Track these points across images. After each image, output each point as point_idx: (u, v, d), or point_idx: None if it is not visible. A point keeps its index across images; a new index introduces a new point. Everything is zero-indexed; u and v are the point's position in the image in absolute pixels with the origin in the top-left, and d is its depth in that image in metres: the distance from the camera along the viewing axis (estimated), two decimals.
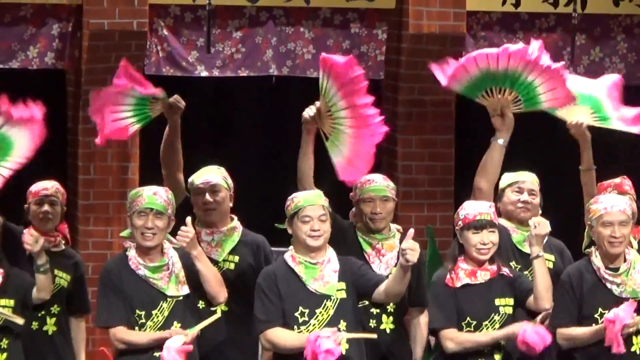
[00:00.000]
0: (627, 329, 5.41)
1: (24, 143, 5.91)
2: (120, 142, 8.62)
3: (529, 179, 6.17)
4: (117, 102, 6.09)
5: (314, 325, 5.41)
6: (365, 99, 5.87)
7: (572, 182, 6.56)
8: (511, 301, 5.54)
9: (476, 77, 5.88)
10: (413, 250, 5.18)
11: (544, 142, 6.73)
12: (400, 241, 5.70)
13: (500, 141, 5.94)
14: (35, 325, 6.11)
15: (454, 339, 5.56)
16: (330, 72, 5.79)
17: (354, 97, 5.86)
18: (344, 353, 5.42)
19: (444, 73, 5.91)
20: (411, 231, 5.33)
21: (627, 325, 5.40)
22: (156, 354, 5.42)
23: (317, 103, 5.81)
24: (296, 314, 5.41)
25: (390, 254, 5.86)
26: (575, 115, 6.12)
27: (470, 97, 6.06)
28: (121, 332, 5.46)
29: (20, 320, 5.66)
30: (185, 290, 5.52)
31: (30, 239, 5.70)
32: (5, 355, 5.67)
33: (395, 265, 5.59)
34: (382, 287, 5.37)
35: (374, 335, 5.56)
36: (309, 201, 5.48)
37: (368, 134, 5.91)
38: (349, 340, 5.43)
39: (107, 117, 6.09)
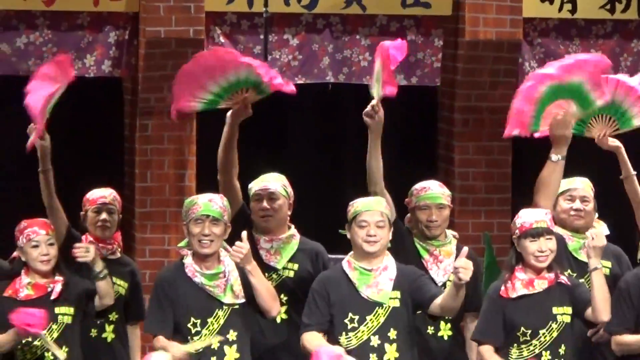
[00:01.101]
0: None
1: None
2: (177, 149, 8.78)
3: (581, 186, 6.15)
4: (212, 75, 6.08)
5: (362, 332, 5.44)
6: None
7: None
8: (569, 310, 5.51)
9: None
10: (466, 269, 5.21)
11: (598, 146, 6.64)
12: (457, 248, 5.76)
13: (559, 157, 5.95)
14: (94, 332, 6.16)
15: (485, 356, 5.61)
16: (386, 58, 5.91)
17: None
18: None
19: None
20: (465, 249, 5.36)
21: None
22: None
23: (373, 102, 5.87)
24: (345, 320, 5.44)
25: (448, 260, 5.87)
26: (596, 130, 6.19)
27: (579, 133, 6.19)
28: (160, 342, 5.48)
29: (62, 355, 5.66)
30: (241, 299, 5.54)
31: (80, 250, 5.76)
32: None
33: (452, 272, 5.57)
34: (438, 301, 5.39)
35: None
36: (367, 207, 5.53)
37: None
38: (400, 349, 5.45)
39: (187, 88, 6.13)
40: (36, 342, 5.65)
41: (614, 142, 6.11)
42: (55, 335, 5.66)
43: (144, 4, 8.66)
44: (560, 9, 9.16)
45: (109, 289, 5.77)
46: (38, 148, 5.95)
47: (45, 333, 5.54)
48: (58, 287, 5.67)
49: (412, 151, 9.21)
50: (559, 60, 6.12)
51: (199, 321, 5.48)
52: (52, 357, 5.65)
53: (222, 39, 8.85)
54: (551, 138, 5.97)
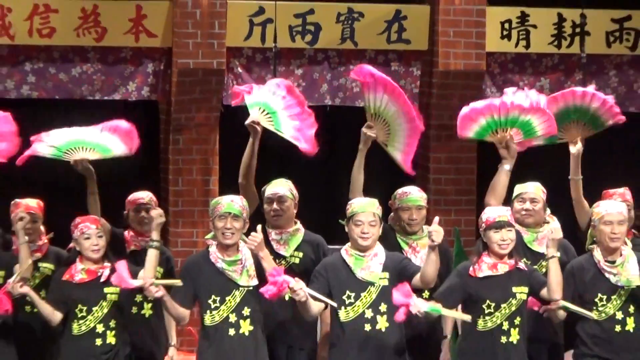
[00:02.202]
0: None
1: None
2: (203, 159, 8.82)
3: (532, 189, 6.17)
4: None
5: (358, 306, 5.51)
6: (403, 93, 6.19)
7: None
8: (526, 289, 5.57)
9: (482, 125, 6.10)
10: (437, 232, 5.34)
11: (554, 153, 6.70)
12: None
13: (507, 167, 6.05)
14: (134, 310, 6.16)
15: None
16: (375, 81, 6.05)
17: (395, 92, 6.07)
18: (382, 330, 5.51)
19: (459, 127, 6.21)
20: (436, 218, 5.46)
21: None
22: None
23: (367, 124, 6.08)
24: (344, 297, 5.50)
25: (424, 250, 5.88)
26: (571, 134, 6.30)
27: (481, 138, 6.25)
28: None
29: (178, 282, 5.62)
30: (254, 282, 5.53)
31: (157, 212, 5.74)
32: (113, 332, 5.75)
33: None
34: (417, 275, 5.49)
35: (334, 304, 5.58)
36: (362, 208, 5.58)
37: (415, 122, 6.11)
38: (389, 320, 5.50)
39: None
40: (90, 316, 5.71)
41: (579, 148, 6.16)
42: (105, 310, 5.71)
43: (176, 40, 8.73)
44: (516, 45, 9.29)
45: (157, 260, 5.71)
46: (85, 173, 6.06)
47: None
48: (106, 272, 5.69)
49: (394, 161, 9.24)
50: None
51: (218, 298, 5.50)
52: (102, 329, 5.71)
53: (239, 70, 8.93)
54: (500, 154, 6.09)
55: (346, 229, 5.67)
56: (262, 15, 8.86)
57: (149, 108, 9.18)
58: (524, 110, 6.06)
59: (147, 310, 6.25)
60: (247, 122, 5.97)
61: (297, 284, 5.32)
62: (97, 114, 7.49)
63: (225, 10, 8.76)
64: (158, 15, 8.75)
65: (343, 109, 9.17)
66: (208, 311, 5.50)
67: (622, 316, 5.63)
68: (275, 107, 6.10)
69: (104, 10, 8.61)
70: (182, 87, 8.74)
